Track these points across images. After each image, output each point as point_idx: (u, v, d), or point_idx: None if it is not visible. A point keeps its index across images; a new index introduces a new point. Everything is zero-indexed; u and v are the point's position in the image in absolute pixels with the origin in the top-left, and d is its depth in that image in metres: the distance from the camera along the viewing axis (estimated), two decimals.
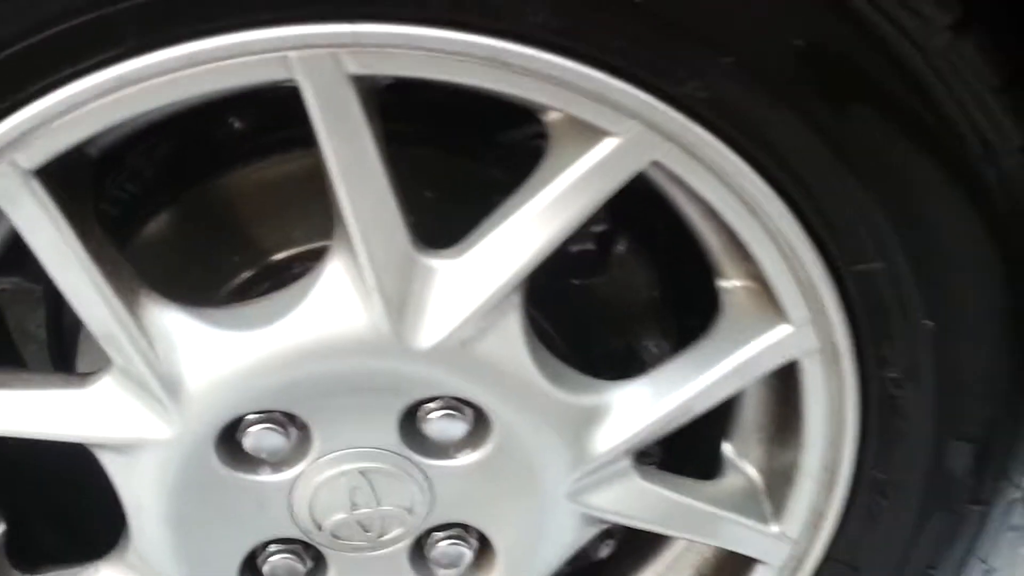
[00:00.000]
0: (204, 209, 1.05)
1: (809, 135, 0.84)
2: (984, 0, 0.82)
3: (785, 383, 1.02)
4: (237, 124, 1.03)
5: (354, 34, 0.77)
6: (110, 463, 0.96)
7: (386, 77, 0.82)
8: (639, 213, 0.99)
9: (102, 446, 0.95)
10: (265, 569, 1.05)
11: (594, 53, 0.79)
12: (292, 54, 0.78)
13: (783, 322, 0.95)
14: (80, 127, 0.80)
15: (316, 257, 0.94)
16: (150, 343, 0.90)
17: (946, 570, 1.12)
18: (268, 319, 0.91)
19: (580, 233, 0.91)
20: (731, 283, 0.98)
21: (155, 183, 1.06)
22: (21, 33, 0.76)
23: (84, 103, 0.79)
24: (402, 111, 0.91)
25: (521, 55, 0.79)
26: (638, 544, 1.21)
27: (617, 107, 0.82)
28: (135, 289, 0.90)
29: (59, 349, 1.12)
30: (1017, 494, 1.07)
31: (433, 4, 0.77)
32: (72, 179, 0.86)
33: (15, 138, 0.79)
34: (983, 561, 1.12)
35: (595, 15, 0.78)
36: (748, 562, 1.12)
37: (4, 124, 0.79)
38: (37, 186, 0.81)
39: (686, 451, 1.12)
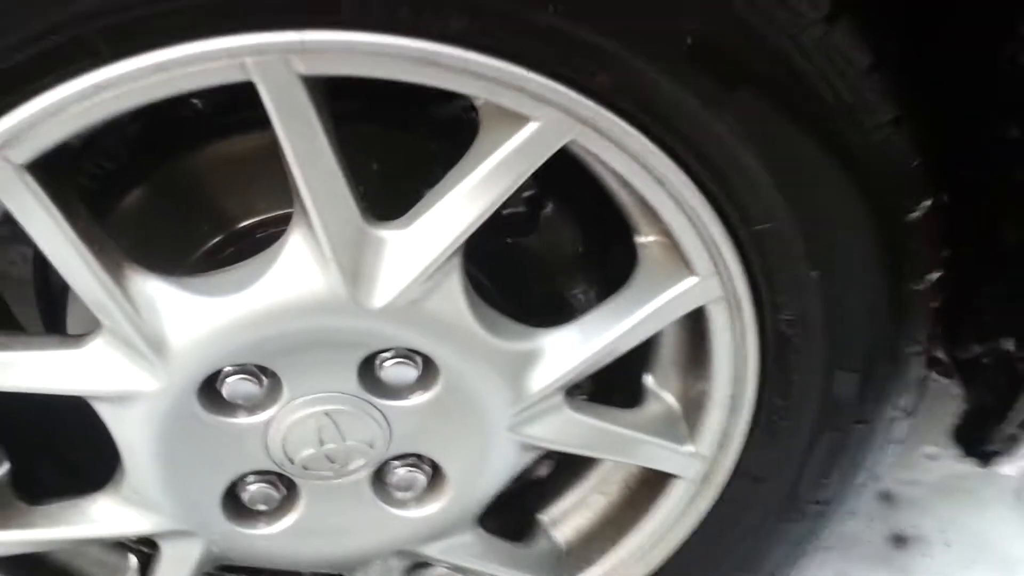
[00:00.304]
0: (174, 184, 1.10)
1: (705, 116, 0.90)
2: None
3: (697, 324, 1.09)
4: (201, 106, 1.08)
5: (301, 41, 0.83)
6: (105, 412, 1.03)
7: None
8: (564, 179, 1.03)
9: (97, 398, 1.02)
10: (244, 497, 1.11)
11: (512, 51, 0.85)
12: (248, 59, 0.83)
13: (691, 274, 1.02)
14: (65, 126, 0.85)
15: (274, 224, 1.00)
16: (136, 309, 0.95)
17: (838, 478, 1.20)
18: (240, 286, 0.97)
19: (512, 198, 0.94)
20: (646, 239, 1.03)
21: (129, 161, 1.10)
22: (10, 47, 0.81)
23: (67, 106, 0.84)
24: (346, 91, 0.94)
25: (449, 55, 0.85)
26: (573, 463, 1.29)
27: (535, 96, 0.87)
28: (119, 262, 0.95)
29: (49, 309, 1.17)
30: (896, 413, 1.16)
31: (373, 11, 0.82)
32: (58, 168, 0.90)
33: (8, 138, 0.84)
34: (869, 470, 1.20)
35: (509, 21, 0.84)
36: (668, 476, 1.20)
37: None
38: (29, 179, 0.87)
39: (613, 384, 1.18)
